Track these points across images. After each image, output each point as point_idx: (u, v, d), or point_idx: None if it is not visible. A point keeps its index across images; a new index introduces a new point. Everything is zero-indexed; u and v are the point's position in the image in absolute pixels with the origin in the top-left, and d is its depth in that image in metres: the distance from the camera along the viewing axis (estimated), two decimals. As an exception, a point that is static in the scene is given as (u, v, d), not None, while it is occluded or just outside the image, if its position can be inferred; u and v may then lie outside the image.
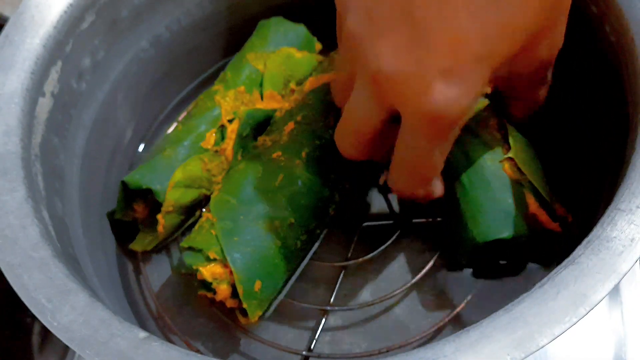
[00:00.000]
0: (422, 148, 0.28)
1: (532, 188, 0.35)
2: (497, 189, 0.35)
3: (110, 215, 0.39)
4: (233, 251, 0.33)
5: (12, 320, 0.38)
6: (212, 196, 0.36)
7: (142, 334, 0.24)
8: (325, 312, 0.37)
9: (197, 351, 0.35)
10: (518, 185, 0.35)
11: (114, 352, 0.23)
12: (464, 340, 0.22)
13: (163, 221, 0.37)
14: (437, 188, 0.33)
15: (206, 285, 0.34)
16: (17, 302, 0.25)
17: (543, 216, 0.34)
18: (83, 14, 0.34)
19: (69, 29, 0.34)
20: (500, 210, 0.34)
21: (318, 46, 0.45)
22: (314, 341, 0.36)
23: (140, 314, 0.38)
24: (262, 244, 0.34)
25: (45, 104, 0.32)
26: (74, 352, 0.37)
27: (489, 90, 0.29)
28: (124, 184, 0.37)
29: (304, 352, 0.35)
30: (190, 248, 0.34)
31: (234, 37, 0.45)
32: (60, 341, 0.24)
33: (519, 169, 0.35)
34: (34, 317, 0.24)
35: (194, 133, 0.39)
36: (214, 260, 0.33)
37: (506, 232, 0.34)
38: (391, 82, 0.26)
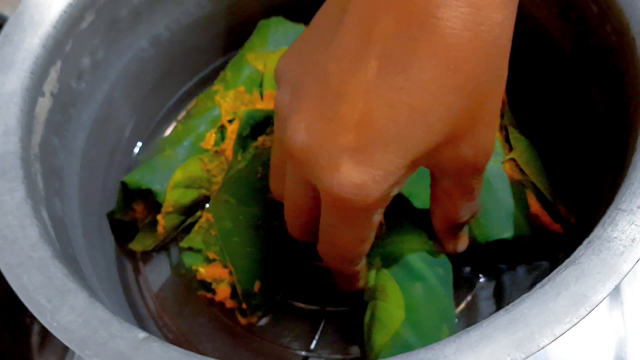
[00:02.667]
0: (337, 227, 0.27)
1: (535, 189, 0.35)
2: (499, 189, 0.35)
3: (110, 216, 0.39)
4: (233, 251, 0.33)
5: (11, 321, 0.38)
6: (212, 196, 0.36)
7: (142, 334, 0.24)
8: (325, 313, 0.37)
9: (197, 351, 0.35)
10: (520, 186, 0.35)
11: (114, 352, 0.23)
12: (464, 341, 0.22)
13: (163, 222, 0.37)
14: (361, 279, 0.32)
15: (206, 285, 0.34)
16: (16, 302, 0.25)
17: (545, 217, 0.34)
18: (82, 14, 0.34)
19: (69, 29, 0.33)
20: (502, 210, 0.34)
21: None
22: (314, 341, 0.35)
23: (140, 314, 0.38)
24: (261, 244, 0.34)
25: (44, 104, 0.32)
26: (73, 353, 0.37)
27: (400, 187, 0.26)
28: (123, 185, 0.37)
29: (303, 353, 0.35)
30: (189, 248, 0.34)
31: (234, 36, 0.45)
32: (60, 341, 0.24)
33: (521, 169, 0.35)
34: (33, 318, 0.24)
35: (193, 133, 0.39)
36: (214, 260, 0.33)
37: (508, 233, 0.34)
38: (303, 158, 0.24)
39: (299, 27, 0.44)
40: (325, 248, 0.29)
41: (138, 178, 0.37)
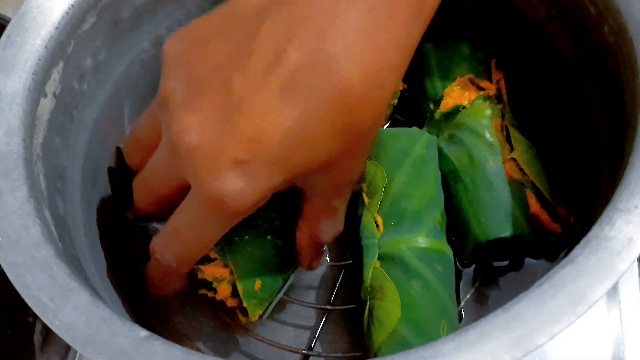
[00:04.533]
0: (195, 225, 0.28)
1: (534, 189, 0.35)
2: (499, 188, 0.35)
3: (113, 184, 0.39)
4: (233, 250, 0.33)
5: (14, 320, 0.38)
6: None
7: (144, 332, 0.24)
8: (325, 312, 0.37)
9: (198, 350, 0.35)
10: (520, 186, 0.35)
11: (116, 350, 0.23)
12: (463, 339, 0.22)
13: None
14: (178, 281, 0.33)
15: (206, 284, 0.34)
16: (19, 301, 0.25)
17: (544, 216, 0.34)
18: (84, 15, 0.34)
19: (71, 30, 0.34)
20: (502, 209, 0.34)
21: None
22: (314, 340, 0.36)
23: (141, 313, 0.38)
24: (262, 243, 0.34)
25: (47, 105, 0.32)
26: (75, 351, 0.37)
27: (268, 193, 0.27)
28: (118, 150, 0.37)
29: (304, 351, 0.35)
30: None
31: (235, 37, 0.45)
32: (62, 340, 0.24)
33: (521, 169, 0.35)
34: (35, 316, 0.25)
35: None
36: (214, 259, 0.33)
37: (508, 231, 0.34)
38: (188, 156, 0.26)
39: None
40: (167, 242, 0.30)
41: None
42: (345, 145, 0.26)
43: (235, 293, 0.34)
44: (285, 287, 0.37)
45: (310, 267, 0.35)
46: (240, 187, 0.25)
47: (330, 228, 0.32)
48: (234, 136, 0.25)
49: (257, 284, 0.33)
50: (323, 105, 0.24)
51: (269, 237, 0.34)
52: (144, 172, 0.31)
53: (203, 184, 0.26)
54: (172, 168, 0.28)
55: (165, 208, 0.31)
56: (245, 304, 0.33)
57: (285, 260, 0.35)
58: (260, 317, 0.35)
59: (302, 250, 0.33)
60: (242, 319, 0.35)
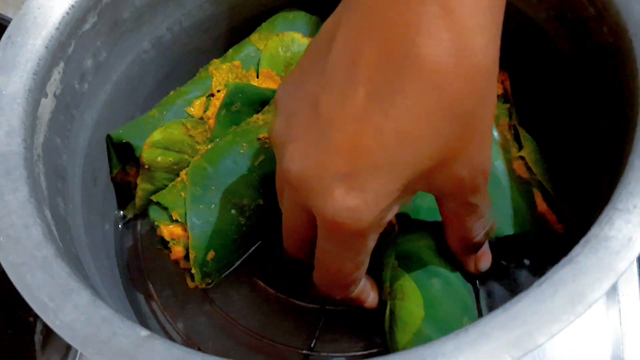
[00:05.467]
0: (332, 252, 0.27)
1: (541, 188, 0.35)
2: (507, 187, 0.35)
3: (111, 175, 0.39)
4: (195, 217, 0.33)
5: (14, 319, 0.38)
6: (193, 159, 0.37)
7: (144, 332, 0.24)
8: (325, 311, 0.37)
9: (198, 349, 0.35)
10: (527, 185, 0.35)
11: (116, 350, 0.23)
12: (463, 339, 0.22)
13: (140, 182, 0.38)
14: (369, 297, 0.32)
15: (164, 242, 0.34)
16: (19, 301, 0.25)
17: (551, 216, 0.34)
18: (85, 16, 0.34)
19: (71, 31, 0.34)
20: (509, 208, 0.34)
21: None
22: (314, 339, 0.36)
23: (142, 312, 0.38)
24: (225, 217, 0.34)
25: (47, 105, 0.32)
26: (76, 351, 0.37)
27: (395, 211, 0.26)
28: (109, 138, 0.38)
29: (304, 351, 0.35)
30: (158, 203, 0.35)
31: (235, 38, 0.45)
32: (63, 340, 0.24)
33: (529, 168, 0.36)
34: (36, 316, 0.25)
35: (182, 98, 0.40)
36: (176, 221, 0.34)
37: (514, 230, 0.34)
38: (298, 184, 0.25)
39: (310, 17, 0.43)
40: (320, 275, 0.30)
41: (121, 132, 0.38)
42: (451, 131, 0.23)
43: (189, 256, 0.34)
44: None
45: (478, 270, 0.33)
46: (352, 203, 0.24)
47: (478, 226, 0.29)
48: (332, 150, 0.24)
49: (210, 254, 0.34)
50: (410, 92, 0.22)
51: (234, 213, 0.34)
52: (283, 224, 0.31)
53: (318, 208, 0.25)
54: (293, 203, 0.28)
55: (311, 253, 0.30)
56: (193, 270, 0.34)
57: (245, 239, 0.35)
58: (208, 285, 0.35)
59: (459, 256, 0.32)
60: (190, 283, 0.35)
